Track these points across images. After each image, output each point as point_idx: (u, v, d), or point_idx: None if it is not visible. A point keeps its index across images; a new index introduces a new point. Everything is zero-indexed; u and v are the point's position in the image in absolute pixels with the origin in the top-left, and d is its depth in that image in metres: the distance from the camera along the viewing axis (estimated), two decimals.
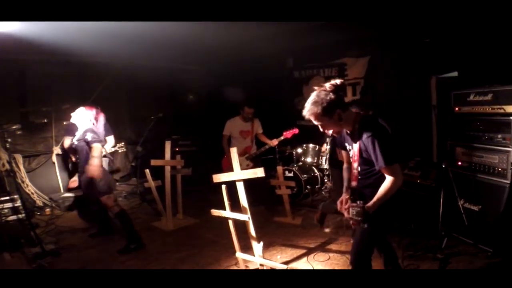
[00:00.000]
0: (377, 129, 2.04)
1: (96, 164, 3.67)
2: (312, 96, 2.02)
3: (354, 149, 2.12)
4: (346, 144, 2.28)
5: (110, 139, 5.05)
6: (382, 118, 2.17)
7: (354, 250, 2.34)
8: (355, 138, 2.12)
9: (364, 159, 2.11)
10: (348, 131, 2.16)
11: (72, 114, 3.92)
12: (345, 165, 2.49)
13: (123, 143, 5.03)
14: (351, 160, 2.23)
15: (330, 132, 2.18)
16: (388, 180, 2.01)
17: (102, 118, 4.14)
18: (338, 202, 2.31)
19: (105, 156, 4.71)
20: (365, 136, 2.03)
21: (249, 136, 5.10)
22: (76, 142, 3.89)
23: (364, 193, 2.16)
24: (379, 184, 2.07)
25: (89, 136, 3.74)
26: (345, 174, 2.47)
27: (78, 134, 3.89)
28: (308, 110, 2.03)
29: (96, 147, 3.72)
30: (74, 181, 4.36)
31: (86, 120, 3.89)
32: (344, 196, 2.31)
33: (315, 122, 2.09)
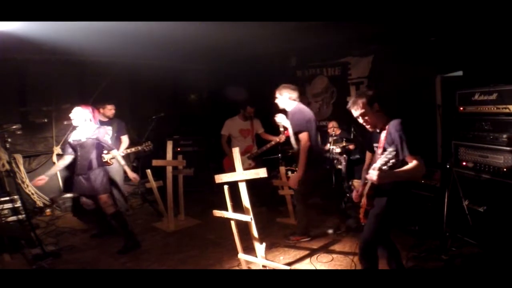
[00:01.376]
0: (404, 126, 2.33)
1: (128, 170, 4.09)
2: (357, 92, 2.51)
3: (381, 137, 2.42)
4: (374, 144, 2.57)
5: (125, 139, 5.07)
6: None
7: (364, 237, 2.56)
8: (382, 131, 2.43)
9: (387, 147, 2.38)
10: (380, 128, 2.46)
11: (71, 115, 3.87)
12: (365, 166, 2.85)
13: (149, 141, 4.92)
14: (378, 155, 2.48)
15: (368, 126, 2.52)
16: (412, 163, 2.25)
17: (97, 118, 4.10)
18: (355, 191, 2.73)
19: (112, 158, 4.66)
20: (393, 130, 2.33)
21: (249, 135, 5.06)
22: (83, 139, 3.79)
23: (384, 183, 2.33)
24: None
25: (107, 138, 4.01)
26: (363, 174, 2.81)
27: (81, 132, 3.84)
28: (354, 100, 2.44)
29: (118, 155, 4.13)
30: (42, 179, 3.86)
31: (85, 118, 3.85)
32: (360, 188, 2.70)
33: (358, 111, 2.43)
